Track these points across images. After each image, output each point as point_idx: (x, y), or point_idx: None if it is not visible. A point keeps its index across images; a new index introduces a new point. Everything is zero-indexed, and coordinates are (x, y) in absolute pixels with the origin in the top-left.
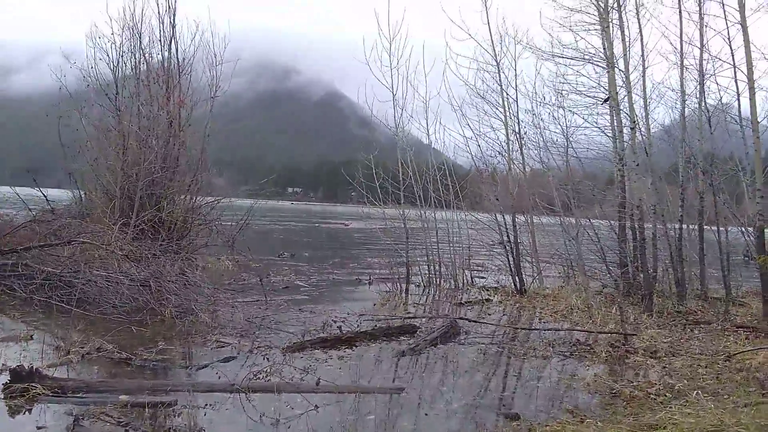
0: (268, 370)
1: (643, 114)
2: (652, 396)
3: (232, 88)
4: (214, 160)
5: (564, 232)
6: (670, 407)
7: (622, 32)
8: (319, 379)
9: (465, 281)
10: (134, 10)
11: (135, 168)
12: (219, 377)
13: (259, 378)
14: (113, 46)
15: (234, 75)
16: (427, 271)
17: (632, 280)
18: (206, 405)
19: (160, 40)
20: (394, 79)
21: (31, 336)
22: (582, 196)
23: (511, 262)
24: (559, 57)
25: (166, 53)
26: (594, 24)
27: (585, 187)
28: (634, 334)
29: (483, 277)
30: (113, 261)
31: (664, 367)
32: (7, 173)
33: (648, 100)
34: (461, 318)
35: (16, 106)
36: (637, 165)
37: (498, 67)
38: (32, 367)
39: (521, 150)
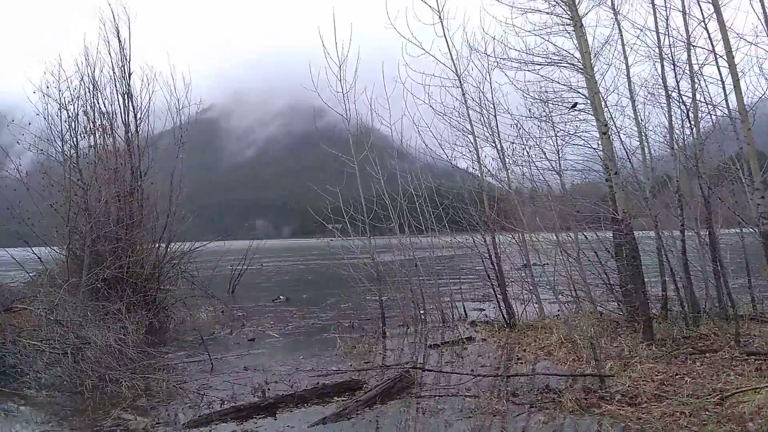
0: None
1: (630, 116)
2: None
3: (269, 132)
4: (255, 203)
5: (562, 252)
6: None
7: (579, 29)
8: None
9: (454, 316)
10: (89, 59)
11: (84, 223)
12: None
13: None
14: (67, 95)
15: (270, 120)
16: (413, 307)
17: (635, 304)
18: None
19: (116, 89)
20: (348, 105)
21: None
22: (580, 214)
23: (497, 291)
24: (526, 63)
25: (123, 102)
26: (562, 24)
27: (578, 202)
28: (610, 376)
29: (482, 309)
30: (49, 327)
31: (639, 418)
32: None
33: (635, 102)
34: (414, 367)
35: None
36: (616, 173)
37: (460, 81)
38: None
39: (504, 166)
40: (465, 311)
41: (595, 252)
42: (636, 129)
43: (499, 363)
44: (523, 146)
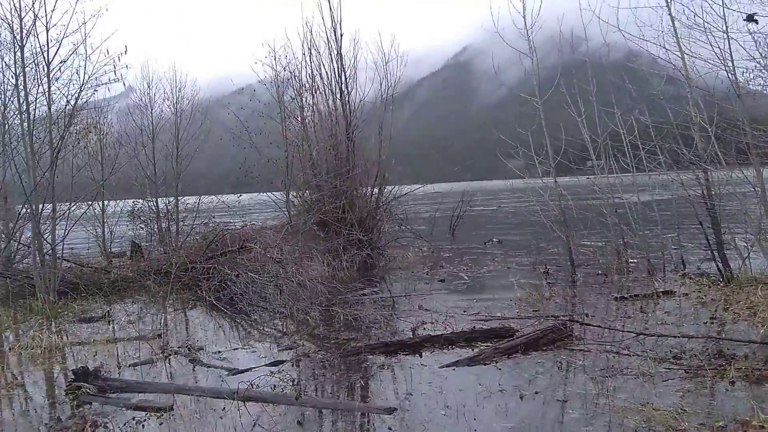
0: (293, 378)
1: None
2: None
3: (523, 69)
4: (507, 142)
5: None
6: None
7: None
8: (299, 393)
9: (665, 267)
10: (307, 24)
11: (304, 172)
12: (240, 383)
13: (257, 386)
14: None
15: (524, 56)
16: (615, 253)
17: None
18: (199, 412)
19: (329, 53)
20: (531, 42)
21: (159, 335)
22: None
23: (709, 236)
24: None
25: (335, 61)
26: None
27: None
28: None
29: (709, 259)
30: (268, 263)
31: None
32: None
33: None
34: (571, 320)
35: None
36: None
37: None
38: (88, 368)
39: (736, 89)
40: (683, 262)
41: None
42: None
43: (684, 322)
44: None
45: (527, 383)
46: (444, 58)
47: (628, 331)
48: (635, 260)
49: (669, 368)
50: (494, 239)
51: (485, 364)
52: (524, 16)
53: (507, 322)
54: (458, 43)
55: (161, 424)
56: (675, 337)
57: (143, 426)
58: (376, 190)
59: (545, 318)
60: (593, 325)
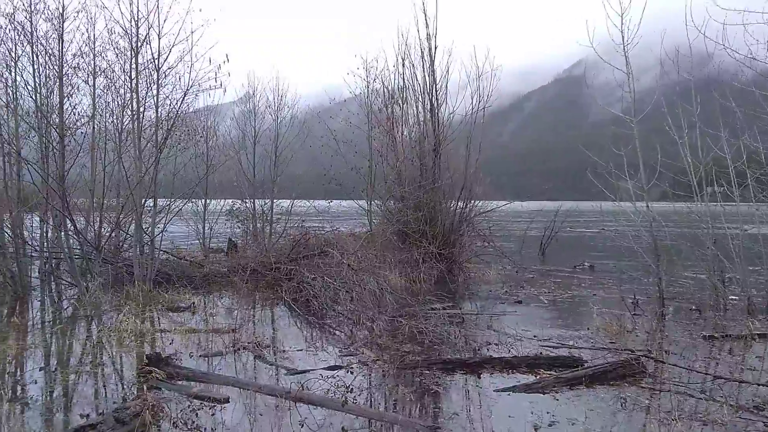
0: (345, 384)
1: None
2: None
3: (642, 84)
4: (620, 162)
5: None
6: None
7: None
8: (345, 399)
9: None
10: (402, 35)
11: (390, 183)
12: (289, 384)
13: (311, 388)
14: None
15: (643, 71)
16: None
17: None
18: (253, 407)
19: (422, 65)
20: (627, 58)
21: (234, 329)
22: None
23: None
24: None
25: (428, 76)
26: None
27: None
28: None
29: None
30: (343, 269)
31: None
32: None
33: None
34: (647, 356)
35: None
36: None
37: None
38: (160, 354)
39: None
40: None
41: None
42: None
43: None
44: None
45: (583, 417)
46: (555, 72)
47: (705, 373)
48: (736, 297)
49: (747, 418)
50: (585, 263)
51: (543, 393)
52: (622, 32)
53: (578, 351)
54: (572, 56)
55: (213, 414)
56: (757, 384)
57: (197, 414)
58: (460, 204)
59: (620, 351)
60: (668, 363)
